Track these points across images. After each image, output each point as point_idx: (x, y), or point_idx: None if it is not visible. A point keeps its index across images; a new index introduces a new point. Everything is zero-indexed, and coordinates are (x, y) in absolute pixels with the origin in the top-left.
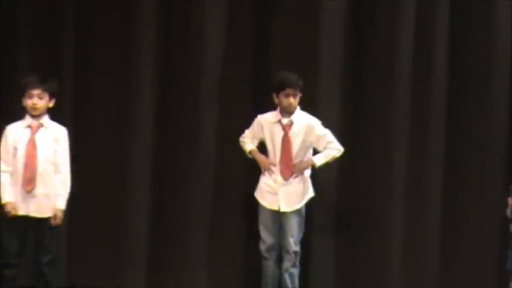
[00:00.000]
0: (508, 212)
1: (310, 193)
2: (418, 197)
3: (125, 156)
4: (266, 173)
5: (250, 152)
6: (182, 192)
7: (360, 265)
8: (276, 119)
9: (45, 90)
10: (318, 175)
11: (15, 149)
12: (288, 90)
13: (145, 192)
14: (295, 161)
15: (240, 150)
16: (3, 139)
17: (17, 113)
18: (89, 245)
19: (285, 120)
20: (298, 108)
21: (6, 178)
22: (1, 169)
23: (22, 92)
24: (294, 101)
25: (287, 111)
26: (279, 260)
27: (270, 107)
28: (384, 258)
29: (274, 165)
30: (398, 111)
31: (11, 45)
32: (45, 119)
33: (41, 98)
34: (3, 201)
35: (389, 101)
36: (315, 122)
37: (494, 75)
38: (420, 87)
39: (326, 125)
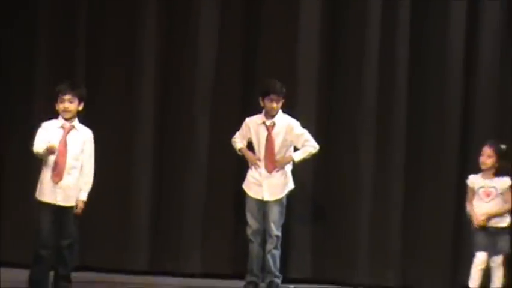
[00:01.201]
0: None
1: (291, 185)
2: (382, 189)
3: (129, 152)
4: (253, 167)
5: (240, 150)
6: (179, 184)
7: (333, 247)
8: (261, 121)
9: (74, 95)
10: (297, 170)
11: (49, 143)
12: (272, 96)
13: (147, 184)
14: (278, 157)
15: (230, 147)
16: (41, 132)
17: (36, 109)
18: (98, 229)
19: (268, 122)
20: (280, 111)
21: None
22: (38, 147)
23: (55, 97)
24: (276, 105)
25: (270, 114)
26: (263, 244)
27: (256, 108)
28: (353, 242)
29: (260, 160)
30: (365, 112)
31: (29, 46)
32: (76, 122)
33: (71, 102)
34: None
35: (358, 103)
36: (294, 123)
37: (448, 76)
38: (385, 89)
39: (303, 125)
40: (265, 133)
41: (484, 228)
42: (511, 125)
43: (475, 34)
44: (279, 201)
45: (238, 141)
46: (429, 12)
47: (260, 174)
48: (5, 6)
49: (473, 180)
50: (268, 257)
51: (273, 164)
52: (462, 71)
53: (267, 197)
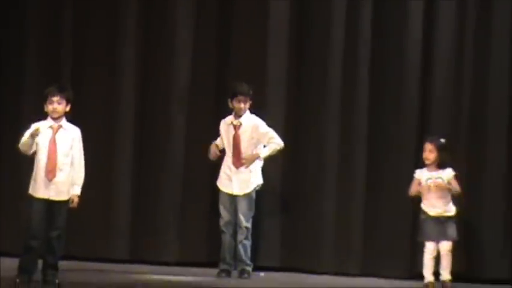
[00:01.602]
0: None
1: (259, 181)
2: (345, 185)
3: (110, 148)
4: (224, 164)
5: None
6: (157, 179)
7: (299, 238)
8: (230, 121)
9: (62, 97)
10: (267, 166)
11: (37, 144)
12: (240, 97)
13: (127, 179)
14: (245, 154)
15: (206, 144)
16: (28, 131)
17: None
18: (82, 221)
19: (235, 122)
20: (248, 111)
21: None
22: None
23: (44, 98)
24: (243, 106)
25: (238, 114)
26: (235, 235)
27: (229, 110)
28: (318, 233)
29: (217, 146)
30: (329, 112)
31: (18, 47)
32: (64, 122)
33: (59, 104)
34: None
35: (322, 103)
36: (260, 122)
37: (406, 75)
38: (348, 89)
39: (272, 124)
40: (233, 132)
41: (432, 218)
42: (465, 122)
43: (431, 34)
44: (247, 195)
45: (217, 141)
46: (389, 12)
47: (230, 170)
48: None
49: (420, 174)
50: (240, 246)
51: (240, 161)
52: (419, 71)
53: (237, 191)
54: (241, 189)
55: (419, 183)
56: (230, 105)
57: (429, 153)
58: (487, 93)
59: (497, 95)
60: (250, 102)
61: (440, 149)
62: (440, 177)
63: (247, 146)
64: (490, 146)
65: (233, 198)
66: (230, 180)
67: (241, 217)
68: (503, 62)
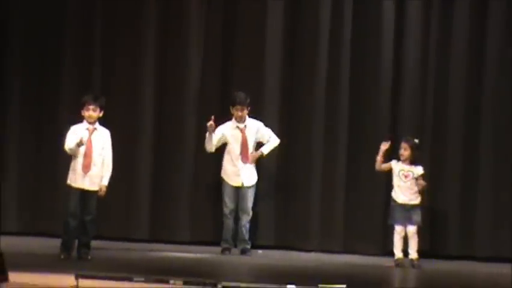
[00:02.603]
0: (377, 166)
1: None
2: (329, 174)
3: (133, 146)
4: (229, 161)
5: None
6: (172, 171)
7: (291, 220)
8: (235, 126)
9: (97, 105)
10: (264, 159)
11: (78, 145)
12: (238, 106)
13: (147, 172)
14: (250, 152)
15: (222, 149)
16: (70, 133)
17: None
18: (109, 207)
19: (241, 126)
20: (247, 116)
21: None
22: (69, 144)
23: (82, 105)
24: (242, 113)
25: (238, 120)
26: (236, 219)
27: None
28: (306, 216)
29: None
30: (315, 113)
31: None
32: (97, 125)
33: (94, 111)
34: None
35: (311, 106)
36: (260, 124)
37: (380, 76)
38: (331, 93)
39: (269, 124)
40: (240, 134)
41: (400, 205)
42: (429, 123)
43: (402, 38)
44: (253, 186)
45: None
46: (365, 18)
47: (236, 166)
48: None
49: (395, 165)
50: (243, 229)
51: (248, 157)
52: (391, 71)
53: (246, 183)
54: (249, 181)
55: (389, 167)
56: (231, 112)
57: (404, 151)
58: (447, 98)
59: (456, 97)
60: (249, 108)
61: (413, 148)
62: (411, 171)
63: (251, 145)
64: (449, 144)
65: (238, 189)
66: (238, 174)
67: (249, 204)
68: (462, 68)
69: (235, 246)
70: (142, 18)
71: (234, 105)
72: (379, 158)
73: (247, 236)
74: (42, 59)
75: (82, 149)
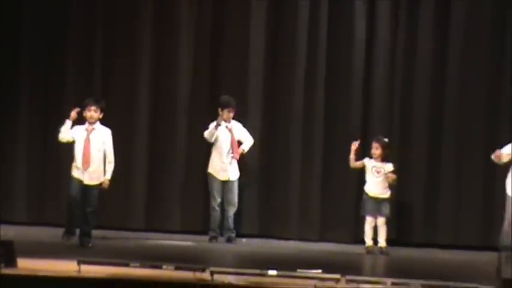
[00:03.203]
0: (351, 164)
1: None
2: (307, 169)
3: (130, 144)
4: (217, 157)
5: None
6: (166, 168)
7: (272, 211)
8: (224, 126)
9: (98, 107)
10: (248, 156)
11: (75, 141)
12: (229, 108)
13: (143, 168)
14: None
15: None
16: (74, 129)
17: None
18: (108, 199)
19: (229, 126)
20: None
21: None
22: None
23: (84, 107)
24: (230, 115)
25: (226, 121)
26: (222, 210)
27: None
28: (286, 207)
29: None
30: (293, 113)
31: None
32: (97, 125)
33: (95, 112)
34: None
35: (289, 108)
36: (240, 125)
37: (352, 78)
38: (309, 90)
39: (251, 124)
40: (229, 134)
41: (371, 198)
42: (398, 120)
43: (372, 38)
44: (238, 179)
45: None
46: (339, 18)
47: (224, 163)
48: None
49: (368, 162)
50: (229, 219)
51: (237, 154)
52: (363, 71)
53: (232, 177)
54: (235, 175)
55: (362, 165)
56: (220, 113)
57: (376, 149)
58: (413, 97)
59: (421, 97)
60: (235, 110)
61: (384, 147)
62: (383, 168)
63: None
64: (414, 141)
65: (224, 183)
66: (225, 170)
67: (235, 197)
68: (427, 68)
69: (222, 235)
70: (138, 18)
71: (225, 107)
72: (351, 156)
73: (232, 226)
74: (48, 59)
75: (80, 146)
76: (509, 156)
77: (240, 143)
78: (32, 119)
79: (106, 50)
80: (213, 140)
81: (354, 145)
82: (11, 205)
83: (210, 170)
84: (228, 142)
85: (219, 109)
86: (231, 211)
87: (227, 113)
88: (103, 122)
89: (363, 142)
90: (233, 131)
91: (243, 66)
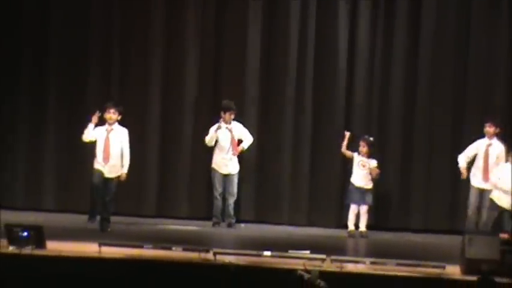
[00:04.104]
0: (342, 149)
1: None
2: (296, 163)
3: (142, 144)
4: (219, 154)
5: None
6: (174, 163)
7: (265, 199)
8: (225, 127)
9: (116, 110)
10: (247, 151)
11: (97, 140)
12: (229, 112)
13: (154, 162)
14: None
15: (204, 138)
16: (96, 129)
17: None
18: (124, 189)
19: (229, 127)
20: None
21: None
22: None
23: (104, 109)
24: (231, 117)
25: (227, 122)
26: (223, 200)
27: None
28: (277, 195)
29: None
30: (285, 113)
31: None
32: (115, 125)
33: (114, 114)
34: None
35: (281, 109)
36: (241, 126)
37: (336, 76)
38: (299, 90)
39: (247, 124)
40: (229, 134)
41: (356, 188)
42: (376, 117)
43: (354, 37)
44: (237, 173)
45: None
46: (324, 19)
47: (225, 158)
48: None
49: (356, 157)
50: (229, 207)
51: (236, 151)
52: (346, 64)
53: (233, 171)
54: (235, 169)
55: (351, 156)
56: (223, 115)
57: (363, 147)
58: (388, 95)
59: (396, 95)
60: (235, 113)
61: (369, 145)
62: (367, 163)
63: (236, 142)
64: (390, 137)
65: (225, 176)
66: (226, 165)
67: (235, 188)
68: (401, 68)
69: (223, 221)
70: (150, 28)
71: (227, 110)
72: (344, 143)
73: (232, 213)
74: (72, 62)
75: (101, 144)
76: (465, 169)
77: (240, 142)
78: (59, 117)
79: (122, 60)
80: (212, 143)
81: (347, 134)
82: (40, 195)
83: (213, 165)
84: (228, 141)
85: (222, 112)
86: (231, 200)
87: (228, 115)
88: (121, 122)
89: (352, 137)
90: (233, 131)
91: (241, 72)
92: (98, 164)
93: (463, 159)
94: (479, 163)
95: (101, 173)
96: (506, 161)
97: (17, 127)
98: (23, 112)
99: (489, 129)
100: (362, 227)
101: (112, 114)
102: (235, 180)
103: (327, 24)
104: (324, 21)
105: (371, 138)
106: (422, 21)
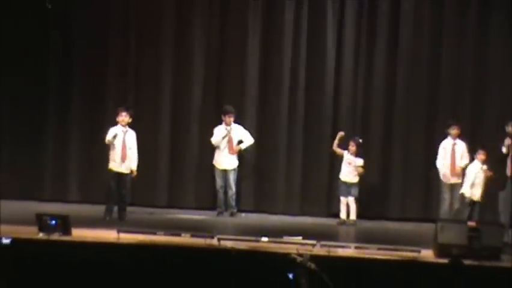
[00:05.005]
0: (334, 146)
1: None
2: (290, 160)
3: (154, 144)
4: (218, 153)
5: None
6: (183, 160)
7: (263, 191)
8: (224, 128)
9: (128, 113)
10: (242, 152)
11: (114, 137)
12: (230, 114)
13: (165, 159)
14: (234, 147)
15: (209, 141)
16: (111, 131)
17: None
18: (138, 183)
19: (228, 128)
20: (233, 122)
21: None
22: (109, 137)
23: (117, 113)
24: (232, 119)
25: (228, 124)
26: (225, 193)
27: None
28: (272, 187)
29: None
30: (280, 117)
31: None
32: (127, 128)
33: (125, 117)
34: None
35: (276, 113)
36: (240, 127)
37: (324, 78)
38: (292, 93)
39: (247, 126)
40: (229, 135)
41: (344, 182)
42: (360, 118)
43: (341, 39)
44: (235, 169)
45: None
46: (316, 23)
47: (222, 156)
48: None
49: (346, 155)
50: (230, 199)
51: (233, 150)
52: (333, 77)
53: (229, 167)
54: (231, 166)
55: (341, 154)
56: (223, 118)
57: (352, 146)
58: (370, 97)
59: (377, 97)
60: (234, 116)
61: (358, 145)
62: (354, 161)
63: (235, 142)
64: (371, 137)
65: (224, 172)
66: (224, 162)
67: (232, 182)
68: (382, 71)
69: (226, 210)
70: (161, 37)
71: (227, 114)
72: (336, 142)
73: (234, 204)
74: (92, 65)
75: (119, 145)
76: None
77: (240, 142)
78: (82, 117)
79: (137, 64)
80: (219, 145)
81: (340, 134)
82: (66, 188)
83: (214, 162)
84: (227, 141)
85: (222, 115)
86: (231, 192)
87: (228, 118)
88: (130, 124)
89: (335, 138)
90: (232, 133)
91: (241, 76)
92: (115, 164)
93: (440, 163)
94: (447, 161)
95: (117, 173)
96: (472, 158)
97: (45, 128)
98: (50, 113)
99: (456, 131)
100: (352, 216)
101: (123, 117)
102: (232, 175)
103: (319, 25)
104: (315, 21)
105: (360, 140)
106: (400, 32)
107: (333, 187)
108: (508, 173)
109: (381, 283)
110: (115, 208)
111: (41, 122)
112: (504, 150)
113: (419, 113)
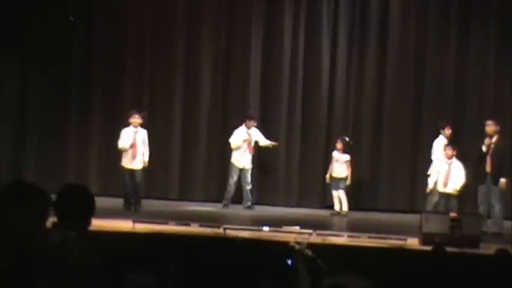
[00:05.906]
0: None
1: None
2: (288, 158)
3: (166, 143)
4: (237, 152)
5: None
6: (194, 157)
7: (266, 186)
8: (245, 131)
9: (140, 115)
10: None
11: (127, 144)
12: (254, 120)
13: (177, 154)
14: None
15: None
16: (123, 136)
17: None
18: (150, 177)
19: (249, 131)
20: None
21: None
22: (122, 144)
23: (129, 115)
24: (252, 123)
25: (248, 127)
26: (236, 189)
27: (233, 124)
28: (274, 183)
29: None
30: (280, 120)
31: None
32: (139, 128)
33: (138, 119)
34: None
35: (277, 118)
36: (258, 132)
37: (318, 81)
38: (291, 98)
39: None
40: (248, 137)
41: (334, 177)
42: (352, 119)
43: (335, 47)
44: (251, 168)
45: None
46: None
47: (243, 156)
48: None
49: (334, 153)
50: (247, 193)
51: (252, 151)
52: (328, 75)
53: (246, 166)
54: (248, 164)
55: (332, 160)
56: (246, 122)
57: (339, 144)
58: (362, 101)
59: (368, 100)
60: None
61: (344, 143)
62: (341, 157)
63: (253, 144)
64: (362, 136)
65: (241, 170)
66: (245, 161)
67: (249, 178)
68: (371, 78)
69: (241, 203)
70: (175, 47)
71: (252, 119)
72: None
73: (250, 197)
74: (111, 66)
75: (130, 145)
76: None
77: (256, 143)
78: (102, 117)
79: (152, 66)
80: (239, 147)
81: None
82: (86, 182)
83: (233, 161)
84: (247, 142)
85: (247, 119)
86: (248, 188)
87: (251, 123)
88: (143, 125)
89: (329, 136)
90: (252, 135)
91: (245, 83)
92: (128, 160)
93: (437, 156)
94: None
95: (131, 171)
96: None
97: (67, 127)
98: (72, 112)
99: (450, 130)
100: (344, 207)
101: (136, 119)
102: (249, 173)
103: (315, 32)
104: (311, 29)
105: (347, 138)
106: (388, 40)
107: (327, 182)
108: (488, 169)
109: (371, 268)
110: (132, 200)
111: (63, 121)
112: (484, 148)
113: (406, 114)
